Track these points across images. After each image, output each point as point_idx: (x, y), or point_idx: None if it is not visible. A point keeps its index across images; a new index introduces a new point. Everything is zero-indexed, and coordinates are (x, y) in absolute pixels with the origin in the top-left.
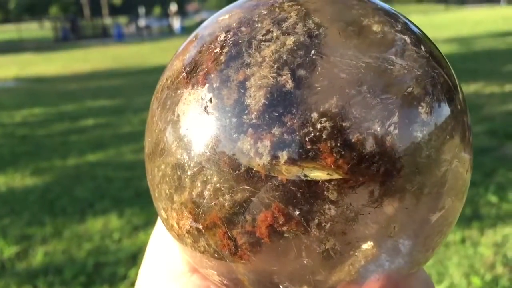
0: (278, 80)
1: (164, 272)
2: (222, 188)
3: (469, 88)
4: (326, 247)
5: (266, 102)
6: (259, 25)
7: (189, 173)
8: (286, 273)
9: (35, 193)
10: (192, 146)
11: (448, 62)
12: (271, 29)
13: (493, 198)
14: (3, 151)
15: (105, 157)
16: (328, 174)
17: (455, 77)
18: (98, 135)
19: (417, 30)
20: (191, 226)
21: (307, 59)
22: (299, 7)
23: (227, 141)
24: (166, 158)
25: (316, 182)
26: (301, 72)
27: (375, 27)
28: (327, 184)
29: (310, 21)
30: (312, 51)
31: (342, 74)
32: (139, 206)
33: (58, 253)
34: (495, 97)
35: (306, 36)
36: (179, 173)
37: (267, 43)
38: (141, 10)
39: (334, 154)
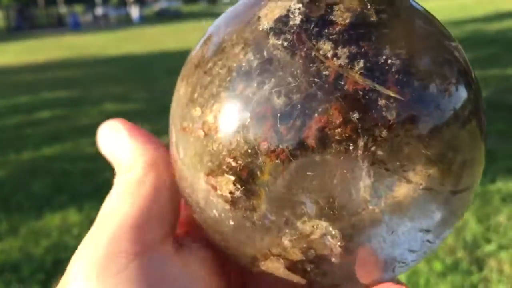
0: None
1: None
2: (285, 80)
3: None
4: (363, 171)
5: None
6: None
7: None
8: (313, 189)
9: None
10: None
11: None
12: None
13: None
14: None
15: (62, 150)
16: (392, 93)
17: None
18: (54, 128)
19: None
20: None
21: None
22: None
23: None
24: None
25: (378, 98)
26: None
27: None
28: (388, 103)
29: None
30: None
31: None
32: (98, 200)
33: (15, 250)
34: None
35: None
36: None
37: None
38: None
39: (398, 84)
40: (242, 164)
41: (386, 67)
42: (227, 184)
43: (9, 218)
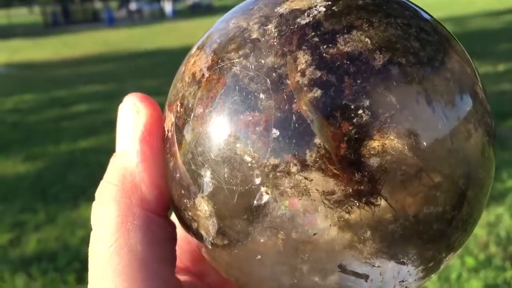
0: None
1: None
2: (252, 63)
3: None
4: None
5: None
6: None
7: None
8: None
9: (27, 180)
10: None
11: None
12: None
13: None
14: None
15: (97, 143)
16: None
17: None
18: (90, 121)
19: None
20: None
21: None
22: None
23: None
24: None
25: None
26: None
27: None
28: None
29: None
30: None
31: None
32: None
33: (52, 240)
34: (489, 77)
35: None
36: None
37: None
38: None
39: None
40: None
41: (340, 111)
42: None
43: (46, 209)
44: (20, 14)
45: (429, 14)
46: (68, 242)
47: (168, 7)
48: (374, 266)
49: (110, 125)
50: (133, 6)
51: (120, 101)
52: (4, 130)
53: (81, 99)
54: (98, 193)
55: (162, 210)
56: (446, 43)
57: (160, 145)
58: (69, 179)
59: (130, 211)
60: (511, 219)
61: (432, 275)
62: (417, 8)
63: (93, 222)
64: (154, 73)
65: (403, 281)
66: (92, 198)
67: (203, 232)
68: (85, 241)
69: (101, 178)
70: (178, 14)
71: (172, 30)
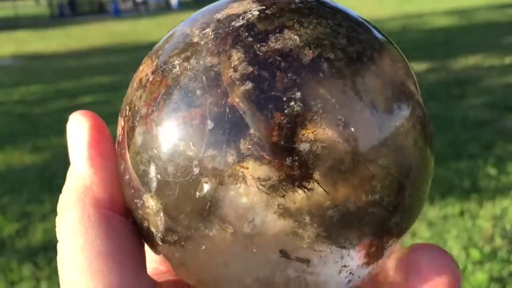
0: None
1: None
2: (191, 62)
3: (468, 61)
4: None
5: None
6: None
7: None
8: None
9: (33, 171)
10: None
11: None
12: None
13: (492, 171)
14: (1, 129)
15: None
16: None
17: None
18: (96, 112)
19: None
20: None
21: None
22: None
23: None
24: None
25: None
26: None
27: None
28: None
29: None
30: None
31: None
32: None
33: None
34: (495, 70)
35: None
36: None
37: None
38: None
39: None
40: None
41: (271, 104)
42: None
43: (52, 199)
44: (27, 6)
45: (366, 20)
46: None
47: None
48: (315, 250)
49: (115, 116)
50: None
51: (124, 92)
52: (11, 121)
53: (87, 91)
54: (58, 206)
55: (117, 209)
56: (378, 43)
57: (107, 150)
58: None
59: (85, 212)
60: None
61: (378, 262)
62: (351, 12)
63: (57, 233)
64: None
65: (345, 266)
66: None
67: (153, 230)
68: None
69: None
70: (184, 6)
71: (178, 22)
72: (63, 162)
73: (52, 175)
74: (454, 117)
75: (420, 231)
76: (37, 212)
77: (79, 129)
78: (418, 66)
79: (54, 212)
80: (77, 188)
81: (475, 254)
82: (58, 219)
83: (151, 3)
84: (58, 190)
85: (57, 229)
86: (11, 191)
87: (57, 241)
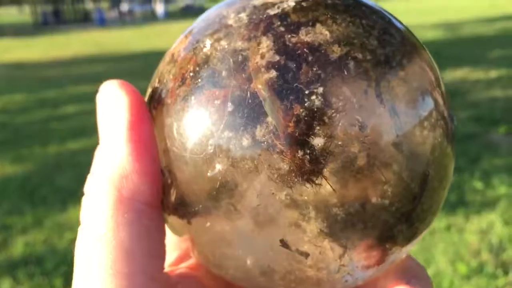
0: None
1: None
2: (221, 44)
3: (455, 74)
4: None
5: None
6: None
7: None
8: None
9: (15, 182)
10: None
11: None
12: None
13: (478, 185)
14: None
15: (87, 144)
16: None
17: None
18: (80, 122)
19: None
20: None
21: None
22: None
23: None
24: None
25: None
26: None
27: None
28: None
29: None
30: None
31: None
32: None
33: (39, 243)
34: (481, 83)
35: None
36: None
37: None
38: None
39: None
40: None
41: (294, 97)
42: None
43: (34, 211)
44: (10, 14)
45: (401, 23)
46: (56, 246)
47: (160, 9)
48: (316, 245)
49: None
50: (124, 7)
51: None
52: None
53: (71, 100)
54: (88, 188)
55: (155, 200)
56: (410, 49)
57: (148, 132)
58: (58, 181)
59: (120, 205)
60: (503, 226)
61: (378, 268)
62: (387, 14)
63: (82, 216)
64: (145, 74)
65: (344, 265)
66: (80, 201)
67: (166, 200)
68: (73, 244)
69: None
70: (170, 16)
71: (163, 32)
72: (46, 173)
73: (34, 186)
74: None
75: None
76: (18, 224)
77: (116, 104)
78: None
79: (35, 224)
80: (113, 175)
81: (462, 268)
82: (87, 202)
83: (137, 13)
84: (40, 202)
85: (83, 211)
86: None
87: (37, 255)
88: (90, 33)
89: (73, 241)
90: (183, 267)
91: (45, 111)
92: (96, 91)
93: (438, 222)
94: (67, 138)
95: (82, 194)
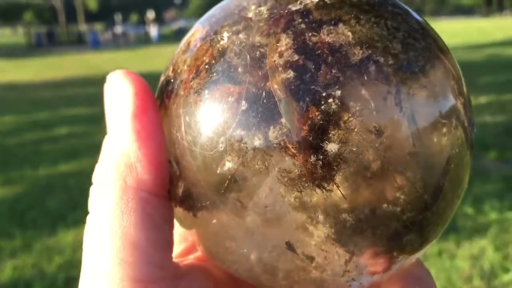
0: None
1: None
2: (240, 35)
3: None
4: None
5: None
6: None
7: None
8: None
9: (4, 205)
10: None
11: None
12: None
13: (470, 210)
14: None
15: (79, 167)
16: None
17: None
18: (72, 144)
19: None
20: None
21: None
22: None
23: None
24: None
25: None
26: None
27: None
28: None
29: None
30: None
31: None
32: None
33: (28, 267)
34: None
35: None
36: None
37: None
38: (118, 17)
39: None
40: None
41: (311, 98)
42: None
43: (23, 234)
44: (3, 35)
45: (428, 24)
46: (45, 270)
47: (153, 32)
48: (322, 250)
49: (92, 149)
50: (118, 29)
51: (103, 124)
52: None
53: (63, 122)
54: (95, 177)
55: (160, 189)
56: (434, 55)
57: (153, 121)
58: (48, 204)
59: (125, 194)
60: (494, 252)
61: (384, 275)
62: (413, 14)
63: (90, 205)
64: None
65: (349, 271)
66: (70, 224)
67: (173, 192)
68: (62, 268)
69: (81, 203)
70: (164, 39)
71: (157, 54)
72: (36, 196)
73: (24, 209)
74: None
75: None
76: (6, 248)
77: (121, 93)
78: None
79: (24, 248)
80: (118, 164)
81: None
82: (93, 192)
83: (131, 35)
84: (30, 225)
85: (90, 201)
86: None
87: (26, 279)
88: (84, 55)
89: (62, 265)
90: (191, 258)
91: (36, 133)
92: (90, 113)
93: (430, 248)
94: (59, 160)
95: (73, 217)
